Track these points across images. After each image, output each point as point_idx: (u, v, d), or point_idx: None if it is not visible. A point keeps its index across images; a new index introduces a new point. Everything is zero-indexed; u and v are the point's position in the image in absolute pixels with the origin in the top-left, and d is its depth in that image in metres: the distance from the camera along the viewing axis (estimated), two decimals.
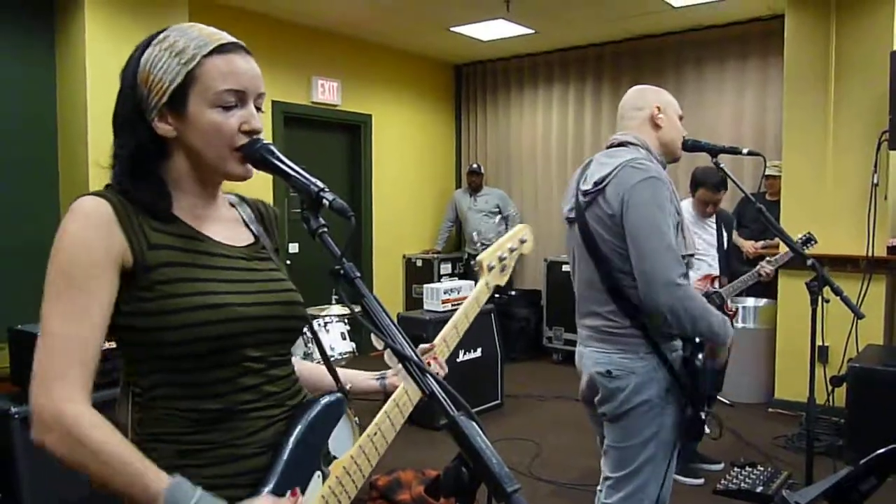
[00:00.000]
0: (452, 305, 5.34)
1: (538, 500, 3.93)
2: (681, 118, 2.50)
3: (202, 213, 1.30)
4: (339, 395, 1.35)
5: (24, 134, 4.98)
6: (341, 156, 7.46)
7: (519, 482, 0.88)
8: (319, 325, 4.18)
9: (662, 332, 2.25)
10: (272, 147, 1.23)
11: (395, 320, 1.14)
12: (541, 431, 5.04)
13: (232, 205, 1.41)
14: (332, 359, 4.08)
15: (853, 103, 5.15)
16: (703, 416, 2.28)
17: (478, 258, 1.48)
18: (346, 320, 4.30)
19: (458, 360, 5.27)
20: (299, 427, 1.27)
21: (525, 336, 7.42)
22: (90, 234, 1.14)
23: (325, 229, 1.16)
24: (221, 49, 1.23)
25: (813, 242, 4.14)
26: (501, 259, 1.51)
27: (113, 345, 1.23)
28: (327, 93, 6.94)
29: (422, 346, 1.41)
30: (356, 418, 3.95)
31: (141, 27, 5.02)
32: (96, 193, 1.18)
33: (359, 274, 1.14)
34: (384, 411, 1.29)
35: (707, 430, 2.40)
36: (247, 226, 1.40)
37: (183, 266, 1.21)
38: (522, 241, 1.56)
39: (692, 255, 2.30)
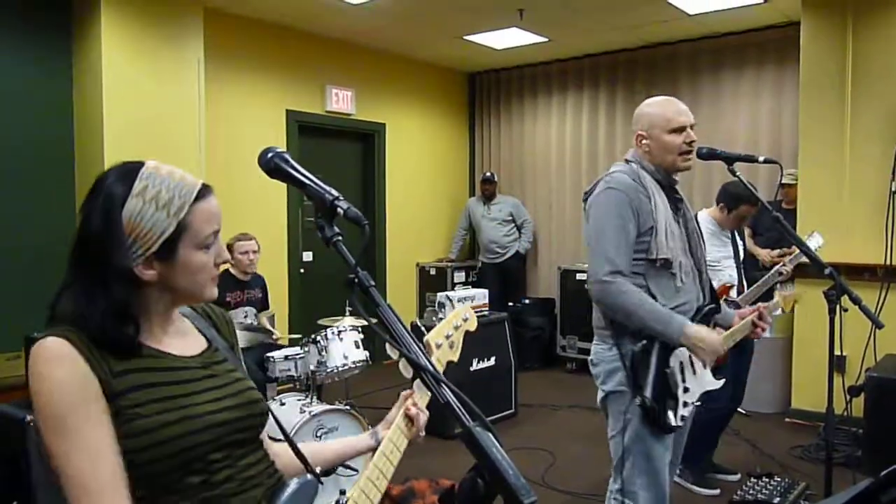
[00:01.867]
0: None
1: None
2: (679, 130, 2.51)
3: (159, 332, 1.35)
4: (308, 477, 1.36)
5: (41, 143, 5.03)
6: (355, 164, 7.48)
7: (535, 493, 0.87)
8: (333, 333, 4.18)
9: (619, 326, 2.47)
10: (286, 155, 1.24)
11: (409, 329, 1.14)
12: (555, 441, 5.01)
13: (184, 315, 1.45)
14: (346, 367, 4.09)
15: (870, 110, 5.11)
16: (654, 406, 2.39)
17: (425, 338, 1.52)
18: (359, 329, 4.31)
19: (471, 368, 5.26)
20: None
21: (539, 345, 7.39)
22: (65, 373, 1.17)
23: (340, 238, 1.16)
24: (201, 194, 1.30)
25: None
26: (448, 337, 1.56)
27: None
28: (341, 102, 6.96)
29: (403, 392, 1.43)
30: (370, 428, 3.95)
31: (157, 38, 5.07)
32: (53, 333, 1.21)
33: (373, 283, 1.15)
34: (359, 488, 1.28)
35: (673, 423, 2.46)
36: (200, 332, 1.44)
37: (146, 387, 1.25)
38: (465, 320, 1.62)
39: (666, 259, 2.44)
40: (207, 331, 1.46)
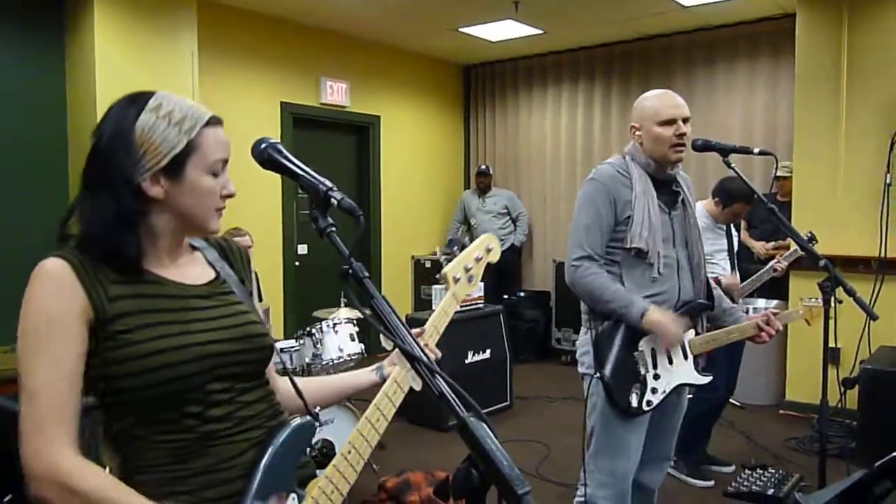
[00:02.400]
0: (461, 306, 5.32)
1: (547, 501, 3.91)
2: (669, 122, 2.52)
3: (166, 260, 1.35)
4: (308, 418, 1.37)
5: (35, 138, 5.00)
6: (350, 157, 7.47)
7: (529, 485, 0.87)
8: (328, 326, 4.18)
9: (595, 312, 2.56)
10: (280, 146, 1.25)
11: (405, 321, 1.13)
12: (550, 433, 5.02)
13: (195, 247, 1.45)
14: (340, 360, 4.09)
15: (865, 103, 5.12)
16: (616, 385, 2.47)
17: (443, 270, 1.49)
18: (354, 321, 4.30)
19: (466, 361, 5.26)
20: (268, 452, 1.29)
21: (534, 337, 7.40)
22: (53, 296, 1.20)
23: (334, 229, 1.16)
24: (212, 121, 1.32)
25: (814, 242, 4.09)
26: (468, 269, 1.52)
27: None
28: (336, 94, 6.94)
29: (414, 330, 1.40)
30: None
31: (150, 30, 5.04)
32: (57, 254, 1.24)
33: (367, 274, 1.14)
34: (358, 430, 1.30)
35: (634, 405, 2.50)
36: (210, 264, 1.44)
37: (142, 313, 1.26)
38: (489, 250, 1.56)
39: (640, 249, 2.49)
40: (218, 263, 1.45)
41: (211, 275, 1.42)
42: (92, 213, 1.25)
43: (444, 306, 1.51)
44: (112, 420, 1.26)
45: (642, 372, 2.51)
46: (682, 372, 2.59)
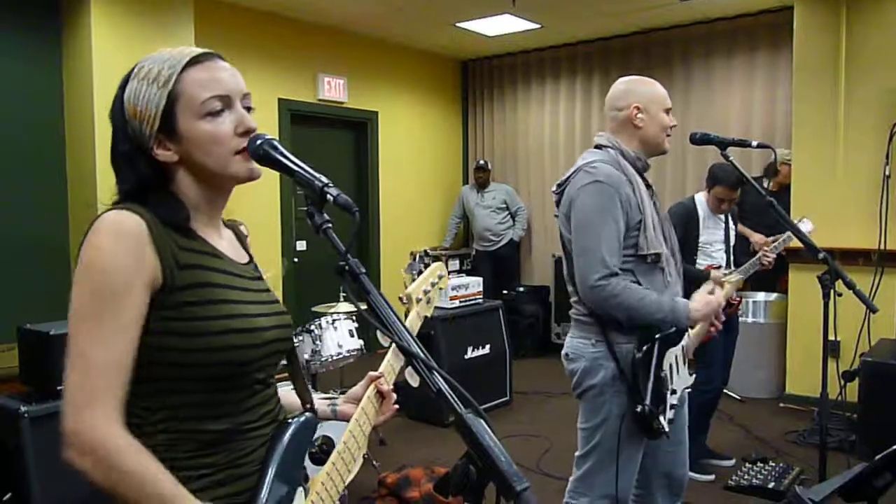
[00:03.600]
0: (460, 302, 5.33)
1: (547, 496, 3.91)
2: (668, 110, 2.48)
3: (212, 232, 1.30)
4: (309, 414, 1.38)
5: (31, 134, 4.99)
6: (348, 153, 7.45)
7: (528, 479, 0.87)
8: (328, 322, 4.17)
9: (612, 322, 2.35)
10: (275, 142, 1.23)
11: (403, 317, 1.13)
12: (550, 428, 5.02)
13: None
14: (340, 356, 4.09)
15: (864, 95, 5.11)
16: (652, 413, 2.31)
17: (407, 291, 1.57)
18: (353, 317, 4.30)
19: (466, 356, 5.26)
20: (280, 448, 1.29)
21: (533, 332, 7.40)
22: (124, 253, 1.12)
23: (330, 225, 1.15)
24: (195, 61, 1.23)
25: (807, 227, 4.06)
26: (426, 293, 1.61)
27: None
28: (333, 90, 6.93)
29: (371, 373, 1.44)
30: None
31: (147, 26, 5.02)
32: (124, 207, 1.16)
33: (364, 270, 1.14)
34: (349, 430, 1.34)
35: (665, 429, 2.37)
36: (240, 243, 1.41)
37: (212, 287, 1.21)
38: (440, 277, 1.66)
39: (657, 254, 2.36)
40: (240, 244, 1.42)
41: (246, 256, 1.39)
42: (122, 187, 1.23)
43: (411, 324, 1.56)
44: (138, 397, 1.17)
45: (665, 391, 2.39)
46: (684, 377, 2.55)
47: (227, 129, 1.22)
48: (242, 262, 1.35)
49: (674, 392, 2.45)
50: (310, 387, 1.61)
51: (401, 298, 1.57)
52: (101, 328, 1.10)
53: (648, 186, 2.50)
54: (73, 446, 1.09)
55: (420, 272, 1.71)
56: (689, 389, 2.61)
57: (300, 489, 1.30)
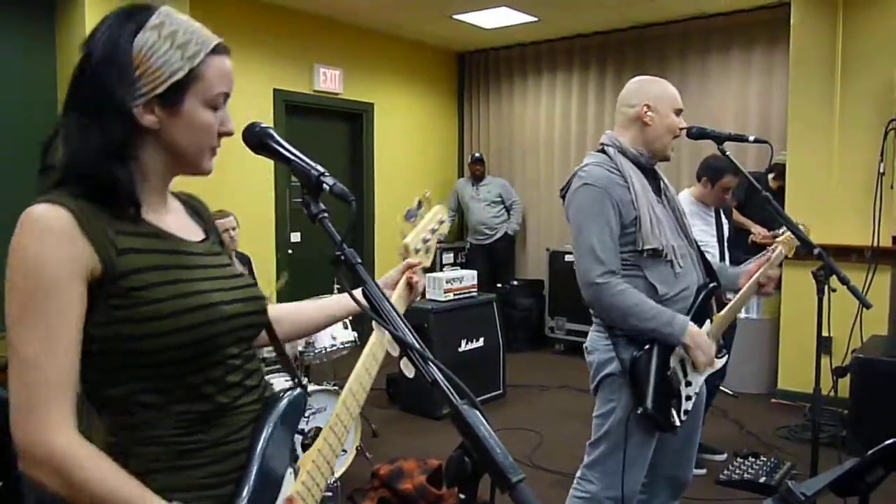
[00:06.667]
0: (455, 295, 5.33)
1: (540, 489, 3.92)
2: (678, 112, 2.49)
3: (159, 208, 1.24)
4: (299, 390, 1.34)
5: (24, 124, 4.95)
6: (343, 144, 7.43)
7: (523, 472, 0.87)
8: None
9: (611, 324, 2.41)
10: (272, 131, 1.23)
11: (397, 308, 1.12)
12: (543, 421, 5.03)
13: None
14: (334, 348, 4.08)
15: (860, 92, 5.12)
16: (658, 413, 2.33)
17: (404, 241, 1.51)
18: None
19: (460, 349, 5.26)
20: (268, 427, 1.26)
21: (527, 326, 7.40)
22: (51, 250, 1.06)
23: (326, 215, 1.15)
24: (218, 49, 1.20)
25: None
26: (425, 241, 1.55)
27: None
28: (329, 81, 6.90)
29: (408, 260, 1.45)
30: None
31: None
32: (49, 199, 1.09)
33: (360, 260, 1.13)
34: (342, 401, 1.29)
35: (677, 423, 2.42)
36: (191, 219, 1.35)
37: (158, 269, 1.15)
38: (441, 222, 1.60)
39: (655, 249, 2.37)
40: (197, 221, 1.35)
41: (200, 232, 1.32)
42: (79, 142, 1.12)
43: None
44: (107, 384, 1.14)
45: (677, 386, 2.41)
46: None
47: (216, 124, 1.21)
48: (196, 239, 1.28)
49: (689, 384, 2.46)
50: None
51: (398, 251, 1.52)
52: (38, 330, 1.05)
53: (657, 181, 2.53)
54: (25, 458, 1.05)
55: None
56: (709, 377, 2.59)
57: (289, 470, 1.27)
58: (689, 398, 2.46)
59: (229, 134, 1.24)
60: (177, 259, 1.20)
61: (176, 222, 1.26)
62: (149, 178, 1.20)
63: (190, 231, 1.29)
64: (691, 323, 2.38)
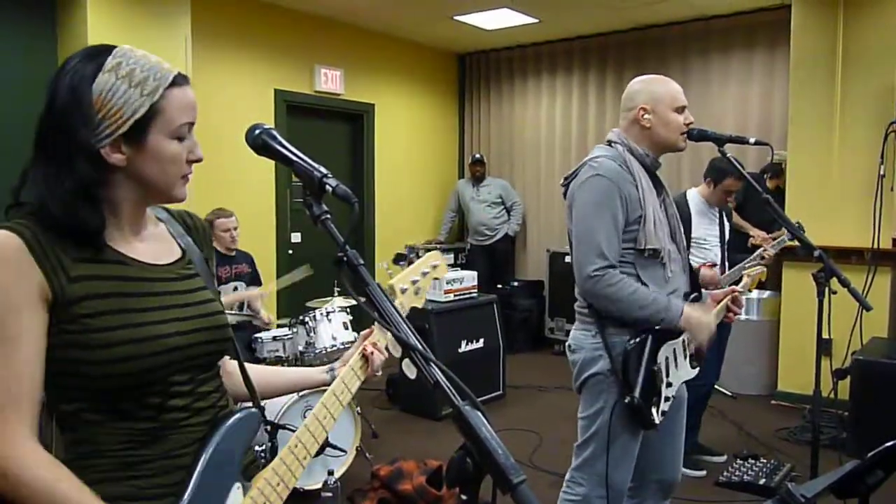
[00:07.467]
0: (455, 296, 5.33)
1: (539, 490, 3.92)
2: (681, 109, 2.50)
3: (129, 236, 1.27)
4: (251, 409, 1.36)
5: (25, 122, 4.94)
6: (344, 145, 7.43)
7: (524, 473, 0.87)
8: (322, 314, 4.17)
9: (609, 316, 2.39)
10: (274, 132, 1.23)
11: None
12: (542, 422, 5.03)
13: (159, 220, 1.38)
14: (334, 348, 4.08)
15: (860, 94, 5.12)
16: (642, 405, 2.35)
17: (389, 282, 1.51)
18: (347, 310, 4.29)
19: (460, 350, 5.27)
20: (212, 442, 1.27)
21: (527, 327, 7.41)
22: (6, 275, 1.11)
23: (329, 216, 1.15)
24: (177, 81, 1.23)
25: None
26: (414, 282, 1.55)
27: None
28: (330, 82, 6.91)
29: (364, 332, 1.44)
30: (358, 408, 3.95)
31: (143, 15, 4.99)
32: (5, 225, 1.14)
33: (362, 262, 1.13)
34: (305, 426, 1.29)
35: (656, 421, 2.42)
36: (174, 240, 1.37)
37: (108, 297, 1.18)
38: (434, 266, 1.60)
39: (655, 250, 2.39)
40: (182, 238, 1.38)
41: (177, 253, 1.35)
42: (46, 185, 1.16)
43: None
44: (61, 400, 1.19)
45: (660, 385, 2.41)
46: (684, 371, 2.55)
47: (185, 153, 1.24)
48: (167, 261, 1.31)
49: (669, 385, 2.47)
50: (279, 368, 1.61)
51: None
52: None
53: (659, 184, 2.53)
54: None
55: (410, 262, 1.66)
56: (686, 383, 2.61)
57: (237, 485, 1.27)
58: (667, 399, 2.47)
59: (198, 160, 1.27)
60: (136, 286, 1.23)
61: (146, 248, 1.29)
62: (121, 212, 1.25)
63: (162, 254, 1.32)
64: (687, 305, 2.40)
